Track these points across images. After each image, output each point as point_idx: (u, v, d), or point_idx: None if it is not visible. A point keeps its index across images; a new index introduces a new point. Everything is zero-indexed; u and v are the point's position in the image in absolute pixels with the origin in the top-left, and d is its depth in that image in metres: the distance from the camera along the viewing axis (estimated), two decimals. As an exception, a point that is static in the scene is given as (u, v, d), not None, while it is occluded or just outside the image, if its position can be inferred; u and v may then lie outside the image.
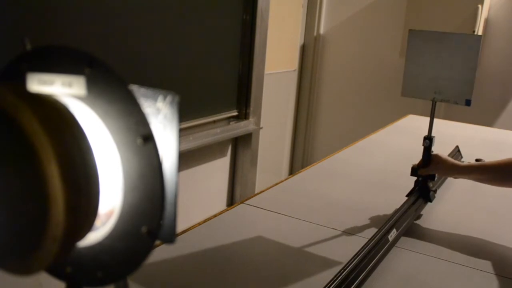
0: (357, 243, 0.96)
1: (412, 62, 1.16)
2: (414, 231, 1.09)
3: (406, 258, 0.97)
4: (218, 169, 2.34)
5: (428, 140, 1.16)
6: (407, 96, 1.20)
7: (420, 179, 1.19)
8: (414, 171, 1.17)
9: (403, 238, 1.05)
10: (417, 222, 1.15)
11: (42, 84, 0.34)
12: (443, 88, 1.14)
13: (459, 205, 1.29)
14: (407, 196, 1.19)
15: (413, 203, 1.14)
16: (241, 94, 2.28)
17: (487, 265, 0.97)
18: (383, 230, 0.98)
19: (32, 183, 0.29)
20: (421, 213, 1.19)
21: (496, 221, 1.20)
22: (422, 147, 1.18)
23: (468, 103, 1.12)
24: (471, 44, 1.10)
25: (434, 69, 1.14)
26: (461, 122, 2.33)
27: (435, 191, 1.23)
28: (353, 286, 0.81)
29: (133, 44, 1.66)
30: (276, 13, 2.76)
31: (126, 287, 0.38)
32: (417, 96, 1.18)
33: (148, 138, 0.32)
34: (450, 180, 1.47)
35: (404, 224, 1.07)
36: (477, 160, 1.53)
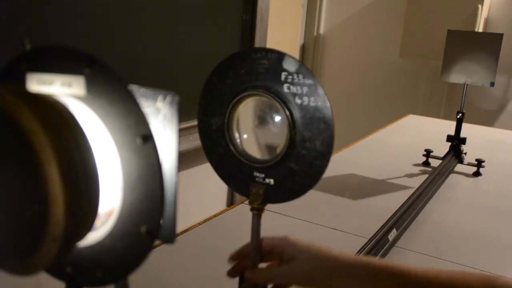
0: (357, 243, 0.96)
1: (450, 55, 1.52)
2: (414, 231, 1.09)
3: (406, 258, 0.97)
4: (218, 169, 2.34)
5: (461, 113, 1.53)
6: (446, 80, 1.56)
7: (454, 143, 1.55)
8: None
9: (403, 238, 1.05)
10: (417, 222, 1.15)
11: (42, 84, 0.34)
12: (473, 73, 1.48)
13: (459, 205, 1.29)
14: (442, 158, 1.53)
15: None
16: (241, 94, 2.27)
17: (487, 265, 0.97)
18: (383, 230, 0.98)
19: (32, 183, 0.29)
20: (421, 213, 1.19)
21: (496, 221, 1.20)
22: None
23: (492, 84, 1.46)
24: (494, 40, 1.44)
25: (466, 60, 1.49)
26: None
27: (465, 154, 1.57)
28: (353, 286, 0.81)
29: (133, 44, 1.66)
30: (276, 13, 2.76)
31: (126, 287, 0.38)
32: (453, 80, 1.55)
33: (147, 138, 0.32)
34: (450, 179, 1.47)
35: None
36: (477, 160, 1.53)
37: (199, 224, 1.05)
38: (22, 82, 0.35)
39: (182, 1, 1.82)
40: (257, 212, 0.60)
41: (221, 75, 0.57)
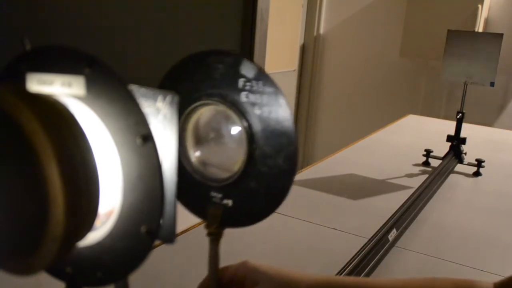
0: (357, 243, 0.96)
1: (450, 54, 1.53)
2: (414, 231, 1.09)
3: (406, 258, 0.97)
4: (218, 169, 2.34)
5: (461, 113, 1.54)
6: (446, 80, 1.60)
7: (454, 143, 1.56)
8: None
9: (403, 238, 1.05)
10: (417, 222, 1.15)
11: (42, 84, 0.34)
12: (473, 73, 1.49)
13: (459, 205, 1.29)
14: (442, 158, 1.54)
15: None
16: (241, 94, 2.28)
17: (487, 265, 0.97)
18: (383, 230, 0.98)
19: (32, 183, 0.29)
20: (421, 213, 1.19)
21: (496, 221, 1.20)
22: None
23: (492, 84, 1.47)
24: (494, 40, 1.45)
25: (466, 59, 1.50)
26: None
27: (465, 154, 1.58)
28: (353, 286, 0.81)
29: (133, 44, 1.66)
30: (276, 13, 2.76)
31: (126, 287, 0.38)
32: (453, 80, 1.58)
33: (147, 138, 0.32)
34: (450, 179, 1.47)
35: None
36: (477, 160, 1.53)
37: (199, 224, 1.05)
38: (22, 82, 0.35)
39: (182, 1, 1.82)
40: (214, 237, 0.54)
41: (174, 80, 0.51)
